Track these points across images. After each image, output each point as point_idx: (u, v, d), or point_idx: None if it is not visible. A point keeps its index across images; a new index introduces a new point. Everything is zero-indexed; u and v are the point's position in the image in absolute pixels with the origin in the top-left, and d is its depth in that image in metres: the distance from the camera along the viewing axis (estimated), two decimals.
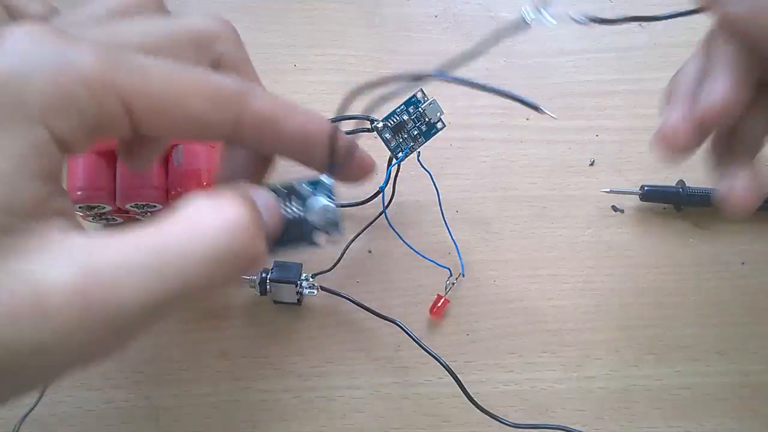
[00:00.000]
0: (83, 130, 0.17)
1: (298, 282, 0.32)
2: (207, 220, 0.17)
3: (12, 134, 0.16)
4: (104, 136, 0.18)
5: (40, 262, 0.16)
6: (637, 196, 0.35)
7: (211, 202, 0.18)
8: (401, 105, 0.30)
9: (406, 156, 0.31)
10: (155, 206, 0.31)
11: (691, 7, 0.23)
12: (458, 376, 0.30)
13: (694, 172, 0.36)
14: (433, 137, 0.30)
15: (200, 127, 0.19)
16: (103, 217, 0.32)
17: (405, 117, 0.30)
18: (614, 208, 0.36)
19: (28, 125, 0.16)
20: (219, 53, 0.23)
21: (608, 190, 0.35)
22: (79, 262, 0.16)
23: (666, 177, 0.36)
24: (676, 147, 0.23)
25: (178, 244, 0.17)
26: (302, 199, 0.22)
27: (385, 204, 0.32)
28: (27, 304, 0.15)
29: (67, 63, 0.16)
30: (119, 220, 0.33)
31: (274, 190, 0.22)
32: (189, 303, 0.17)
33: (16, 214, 0.16)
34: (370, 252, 0.35)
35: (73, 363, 0.17)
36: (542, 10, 0.22)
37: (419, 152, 0.31)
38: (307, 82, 0.37)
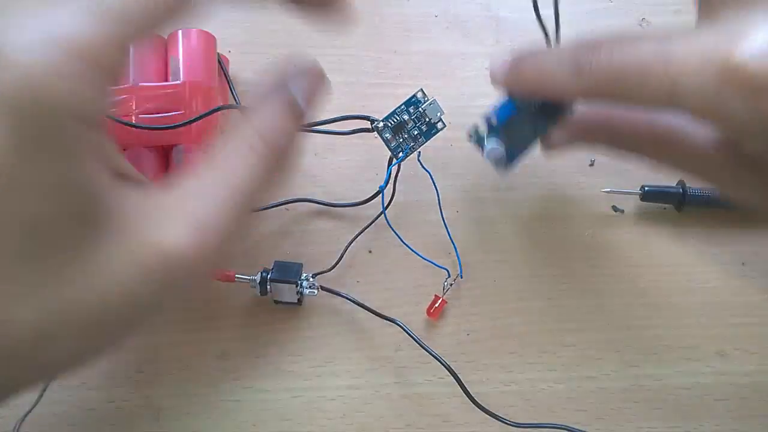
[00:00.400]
0: (100, 98, 0.17)
1: (299, 282, 0.32)
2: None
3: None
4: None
5: (151, 226, 0.18)
6: (637, 196, 0.35)
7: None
8: (401, 105, 0.30)
9: (407, 156, 0.31)
10: None
11: None
12: (458, 375, 0.30)
13: None
14: (434, 137, 0.30)
15: None
16: None
17: (405, 117, 0.30)
18: (614, 208, 0.36)
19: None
20: None
21: (608, 190, 0.35)
22: (189, 221, 0.18)
23: (666, 177, 0.36)
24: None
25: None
26: None
27: (385, 204, 0.32)
28: (154, 264, 0.18)
29: (56, 38, 0.16)
30: None
31: None
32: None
33: (98, 201, 0.17)
34: (370, 252, 0.35)
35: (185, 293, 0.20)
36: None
37: (419, 152, 0.31)
38: None
